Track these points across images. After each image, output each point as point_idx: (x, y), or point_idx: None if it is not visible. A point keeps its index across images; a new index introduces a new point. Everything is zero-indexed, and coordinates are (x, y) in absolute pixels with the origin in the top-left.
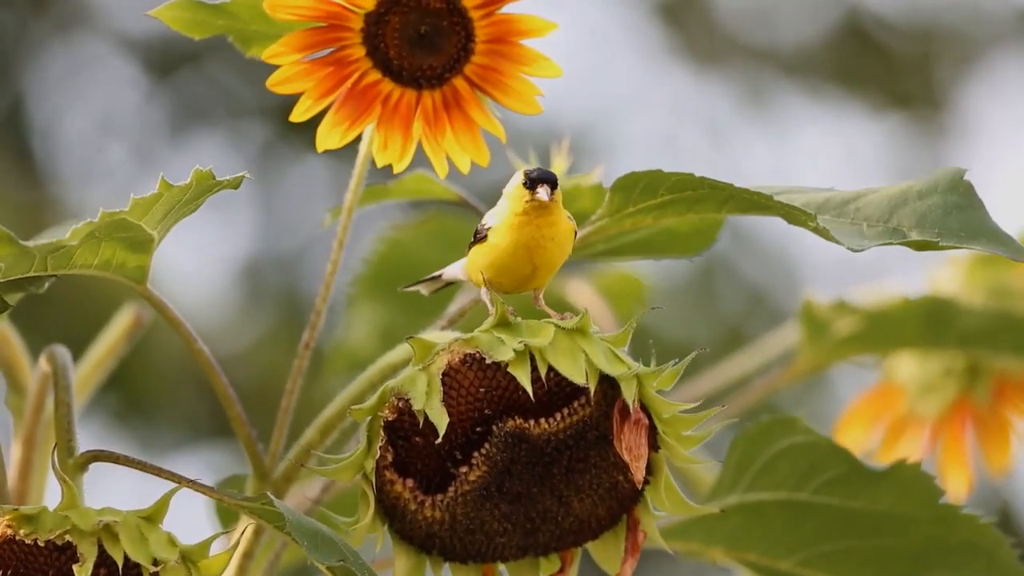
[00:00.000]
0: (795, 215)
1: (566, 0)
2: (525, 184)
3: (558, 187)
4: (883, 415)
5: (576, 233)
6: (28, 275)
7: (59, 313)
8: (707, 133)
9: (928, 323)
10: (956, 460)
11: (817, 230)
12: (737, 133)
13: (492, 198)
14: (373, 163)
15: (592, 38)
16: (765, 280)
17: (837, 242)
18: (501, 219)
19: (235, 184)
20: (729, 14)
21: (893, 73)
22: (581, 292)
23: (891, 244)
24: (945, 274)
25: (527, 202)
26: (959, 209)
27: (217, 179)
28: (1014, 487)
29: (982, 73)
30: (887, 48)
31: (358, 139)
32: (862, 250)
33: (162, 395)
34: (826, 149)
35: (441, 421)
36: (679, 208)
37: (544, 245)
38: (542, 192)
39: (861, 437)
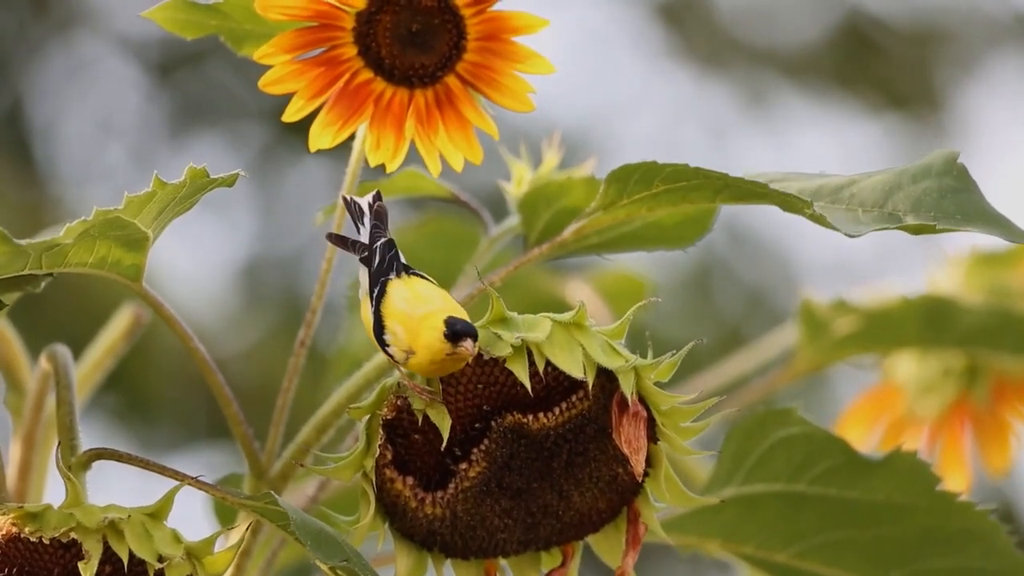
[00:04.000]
0: (791, 203)
1: (567, 1)
2: (446, 335)
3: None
4: (882, 415)
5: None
6: (24, 273)
7: (58, 313)
8: (707, 134)
9: (927, 323)
10: (955, 460)
11: (814, 217)
12: (737, 134)
13: (484, 196)
14: (368, 163)
15: (592, 39)
16: (764, 281)
17: (834, 228)
18: (400, 344)
19: (229, 182)
20: (729, 15)
21: (892, 74)
22: (580, 292)
23: (888, 229)
24: (944, 274)
25: (448, 355)
26: (954, 192)
27: (211, 177)
28: (1016, 486)
29: (980, 74)
30: (886, 49)
31: (354, 140)
32: (859, 235)
33: (161, 395)
34: (825, 150)
35: (442, 421)
36: (673, 198)
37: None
38: (467, 345)
39: (860, 438)
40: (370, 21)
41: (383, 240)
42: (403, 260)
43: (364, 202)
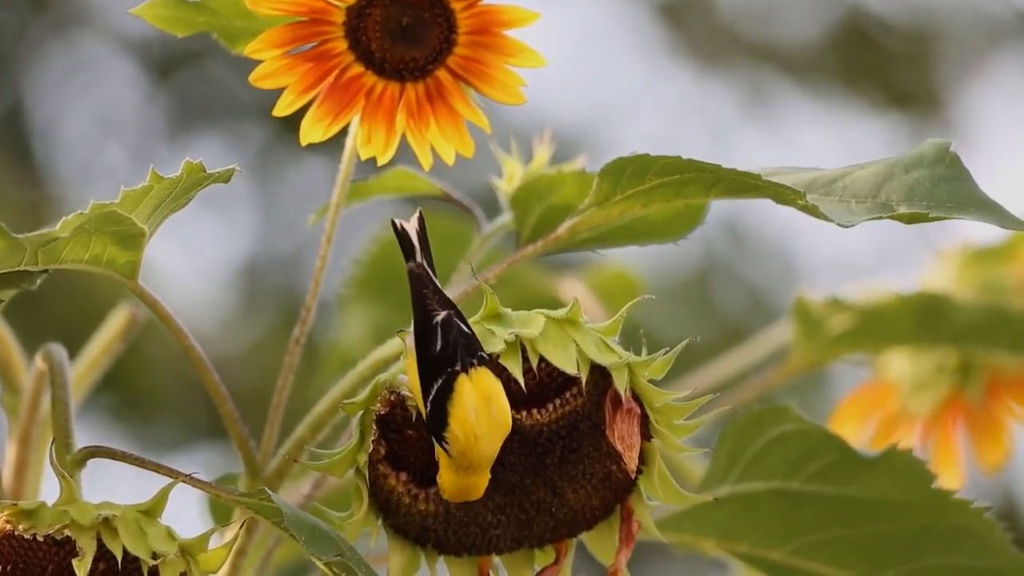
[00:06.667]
0: (784, 195)
1: (567, 0)
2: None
3: None
4: (875, 413)
5: None
6: (19, 269)
7: (53, 312)
8: (708, 133)
9: (921, 320)
10: (948, 458)
11: (806, 208)
12: (738, 133)
13: (477, 195)
14: (370, 162)
15: (592, 37)
16: (765, 279)
17: (826, 219)
18: (457, 447)
19: (225, 178)
20: (730, 13)
21: (894, 72)
22: (574, 290)
23: (880, 218)
24: (938, 271)
25: None
26: (947, 180)
27: (207, 172)
28: (1016, 483)
29: (983, 72)
30: (888, 47)
31: (354, 138)
32: (851, 225)
33: (157, 395)
34: (827, 148)
35: None
36: (667, 193)
37: None
38: None
39: (852, 435)
40: (360, 15)
41: (442, 316)
42: (466, 330)
43: (412, 229)
